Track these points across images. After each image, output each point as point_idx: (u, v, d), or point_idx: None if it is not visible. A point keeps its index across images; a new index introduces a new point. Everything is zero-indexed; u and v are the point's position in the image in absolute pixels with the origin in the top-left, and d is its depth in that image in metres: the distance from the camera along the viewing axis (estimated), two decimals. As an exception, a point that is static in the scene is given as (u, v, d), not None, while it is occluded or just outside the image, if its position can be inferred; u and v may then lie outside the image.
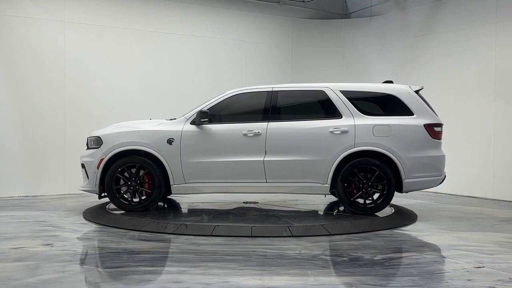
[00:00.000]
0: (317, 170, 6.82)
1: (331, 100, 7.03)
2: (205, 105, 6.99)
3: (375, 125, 6.86)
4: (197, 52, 10.61)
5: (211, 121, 6.87)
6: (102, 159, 6.83)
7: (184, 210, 7.39)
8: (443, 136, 7.03)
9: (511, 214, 7.57)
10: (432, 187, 7.12)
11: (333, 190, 6.96)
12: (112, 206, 7.36)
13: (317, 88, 7.15)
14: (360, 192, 6.83)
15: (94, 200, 7.99)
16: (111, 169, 6.83)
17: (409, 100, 7.06)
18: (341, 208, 7.45)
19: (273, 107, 6.99)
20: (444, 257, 4.91)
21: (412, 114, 7.00)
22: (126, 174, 6.86)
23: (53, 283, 3.94)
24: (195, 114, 6.90)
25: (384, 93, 7.13)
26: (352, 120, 6.89)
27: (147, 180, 6.87)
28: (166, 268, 4.41)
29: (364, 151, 6.84)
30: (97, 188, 6.86)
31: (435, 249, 5.27)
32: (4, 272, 4.20)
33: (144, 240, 5.51)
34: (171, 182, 6.85)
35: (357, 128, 6.84)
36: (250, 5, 11.25)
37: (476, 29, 9.55)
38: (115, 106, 9.66)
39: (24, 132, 8.96)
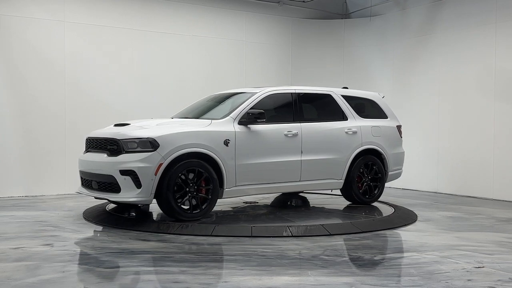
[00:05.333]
0: (337, 167, 7.48)
1: (337, 103, 7.74)
2: (247, 104, 6.77)
3: (372, 126, 7.90)
4: (197, 52, 10.60)
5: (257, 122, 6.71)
6: (161, 164, 5.98)
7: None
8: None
9: (511, 214, 7.57)
10: (397, 178, 8.41)
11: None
12: (111, 206, 7.33)
13: (325, 91, 7.80)
14: (365, 185, 7.73)
15: (94, 200, 7.97)
16: (171, 174, 6.05)
17: (383, 105, 8.31)
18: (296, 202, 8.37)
19: (300, 108, 7.32)
20: (444, 257, 4.90)
21: (387, 117, 8.23)
22: (180, 179, 6.16)
23: (53, 283, 3.94)
24: (245, 114, 6.64)
25: (367, 99, 8.19)
26: (356, 122, 7.76)
27: (204, 185, 6.30)
28: (166, 268, 4.41)
29: (366, 149, 7.74)
30: (151, 198, 6.03)
31: (435, 249, 5.27)
32: (4, 272, 4.20)
33: (144, 240, 5.51)
34: (225, 186, 6.45)
35: (362, 129, 7.74)
36: (250, 5, 11.25)
37: (476, 29, 9.55)
38: (115, 106, 9.65)
39: (24, 132, 8.96)
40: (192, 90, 10.30)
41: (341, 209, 7.68)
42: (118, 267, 4.45)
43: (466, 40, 9.72)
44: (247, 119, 6.64)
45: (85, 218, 6.75)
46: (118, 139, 6.14)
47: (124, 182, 5.99)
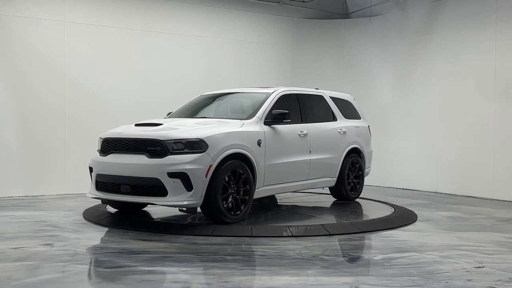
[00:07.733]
0: (333, 166, 7.79)
1: (328, 105, 8.07)
2: (267, 104, 6.76)
3: (355, 126, 8.31)
4: (197, 52, 10.60)
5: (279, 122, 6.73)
6: (211, 166, 5.76)
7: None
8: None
9: (511, 214, 7.58)
10: (367, 175, 8.76)
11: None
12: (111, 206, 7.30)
13: (317, 93, 8.03)
14: (351, 182, 8.14)
15: (94, 200, 7.96)
16: (218, 175, 5.84)
17: (357, 106, 8.75)
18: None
19: (303, 109, 7.46)
20: (444, 257, 4.91)
21: (360, 118, 8.66)
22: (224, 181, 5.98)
23: (53, 283, 3.94)
24: (269, 114, 6.65)
25: (345, 100, 8.51)
26: (343, 122, 8.11)
27: (242, 186, 6.15)
28: (166, 268, 4.41)
29: (352, 149, 8.12)
30: (201, 200, 5.75)
31: (435, 249, 5.27)
32: (4, 272, 4.20)
33: (144, 240, 5.51)
34: (256, 186, 6.36)
35: (349, 129, 8.11)
36: (250, 5, 11.25)
37: (476, 29, 9.55)
38: (115, 106, 9.64)
39: (24, 132, 8.96)
40: (192, 90, 10.26)
41: (328, 206, 7.75)
42: (118, 267, 4.45)
43: (466, 40, 9.72)
44: (272, 119, 6.67)
45: (85, 218, 6.75)
46: (163, 140, 5.79)
47: (173, 185, 5.66)
